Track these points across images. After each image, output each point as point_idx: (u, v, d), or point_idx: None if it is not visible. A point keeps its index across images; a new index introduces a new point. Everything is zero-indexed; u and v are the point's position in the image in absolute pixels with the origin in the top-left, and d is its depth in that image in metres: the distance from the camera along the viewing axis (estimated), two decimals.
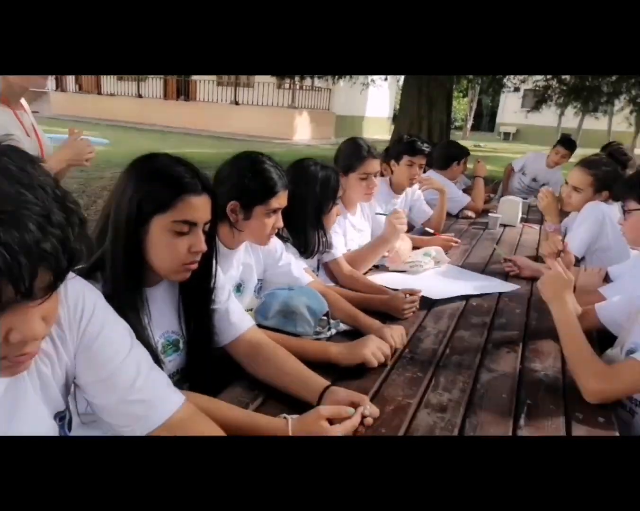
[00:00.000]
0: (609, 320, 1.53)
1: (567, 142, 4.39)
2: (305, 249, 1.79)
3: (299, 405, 1.07)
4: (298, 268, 1.67)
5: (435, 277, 2.12)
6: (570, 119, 20.33)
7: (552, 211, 2.56)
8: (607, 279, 1.97)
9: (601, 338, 1.54)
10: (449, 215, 3.27)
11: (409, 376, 1.28)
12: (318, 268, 2.03)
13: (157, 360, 1.02)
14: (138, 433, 0.84)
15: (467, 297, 1.85)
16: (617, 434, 1.10)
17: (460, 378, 1.29)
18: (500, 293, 1.93)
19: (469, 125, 27.61)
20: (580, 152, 4.32)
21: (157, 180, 1.01)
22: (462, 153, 3.61)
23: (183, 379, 1.22)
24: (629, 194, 1.75)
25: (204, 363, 1.22)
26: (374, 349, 1.27)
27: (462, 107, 28.86)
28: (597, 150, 3.18)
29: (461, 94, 27.14)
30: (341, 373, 1.24)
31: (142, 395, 0.84)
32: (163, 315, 1.16)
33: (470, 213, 3.42)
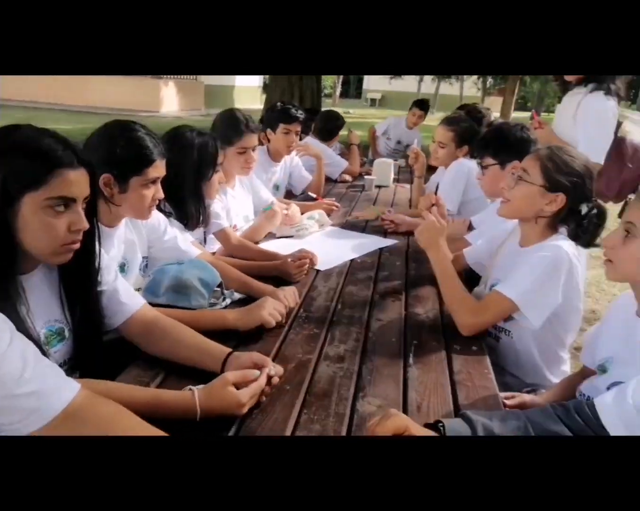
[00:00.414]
0: (474, 262, 1.73)
1: (420, 103, 4.77)
2: (187, 220, 1.74)
3: (202, 377, 1.07)
4: (185, 242, 1.63)
5: (321, 240, 2.20)
6: (429, 85, 21.78)
7: (423, 167, 2.80)
8: (470, 227, 2.20)
9: (470, 279, 1.74)
10: (328, 179, 3.39)
11: (306, 334, 1.33)
12: (205, 241, 1.99)
13: (42, 353, 0.94)
14: (32, 427, 0.78)
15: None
16: (488, 359, 1.26)
17: (354, 330, 1.37)
18: (381, 249, 2.06)
19: (337, 93, 28.28)
20: (438, 116, 4.69)
21: (24, 154, 0.92)
22: (342, 123, 3.79)
23: (72, 369, 1.14)
24: (485, 151, 1.96)
25: (94, 349, 1.16)
26: (270, 310, 1.30)
27: (331, 75, 29.46)
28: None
29: None
30: (241, 340, 1.26)
31: (32, 387, 0.78)
32: (43, 303, 1.07)
33: (347, 177, 3.57)
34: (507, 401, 1.26)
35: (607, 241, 1.13)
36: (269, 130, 2.76)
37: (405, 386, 1.12)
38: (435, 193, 1.59)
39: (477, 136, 2.30)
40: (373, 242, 2.16)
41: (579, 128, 2.08)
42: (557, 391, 1.38)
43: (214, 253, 1.87)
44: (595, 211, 1.37)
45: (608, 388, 1.16)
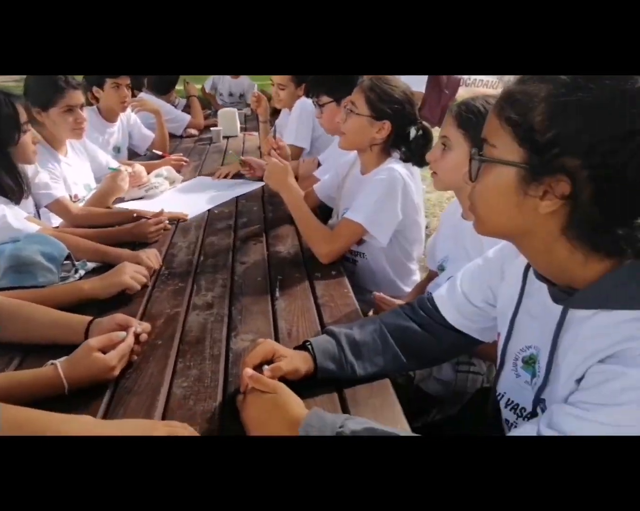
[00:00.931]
0: (324, 196, 1.83)
1: None
2: (8, 194, 1.54)
3: (64, 352, 1.01)
4: (17, 218, 1.47)
5: (176, 196, 2.13)
6: None
7: (266, 111, 2.77)
8: (320, 165, 2.30)
9: (324, 213, 1.84)
10: (174, 136, 3.26)
11: (171, 289, 1.32)
12: (39, 215, 1.81)
13: None
14: None
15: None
16: (346, 279, 1.37)
17: (219, 277, 1.39)
18: (237, 198, 2.06)
19: None
20: None
21: None
22: (176, 80, 3.59)
23: None
24: (321, 89, 2.03)
25: None
26: (132, 273, 1.26)
27: None
28: None
29: None
30: (103, 308, 1.20)
31: None
32: None
33: (193, 131, 3.45)
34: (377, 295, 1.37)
35: (429, 156, 1.28)
36: (95, 88, 2.54)
37: (274, 318, 1.17)
38: (274, 137, 1.62)
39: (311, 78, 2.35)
40: (239, 188, 2.17)
41: None
42: (411, 296, 1.55)
43: (57, 228, 1.72)
44: (421, 132, 1.52)
45: None
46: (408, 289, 1.70)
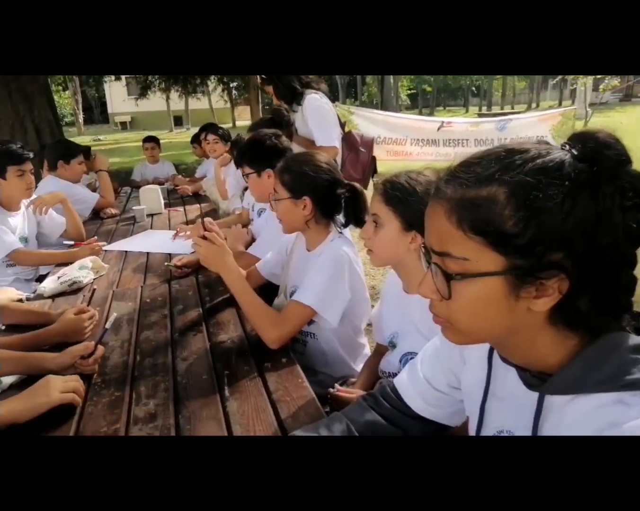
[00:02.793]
0: (269, 274, 1.78)
1: (147, 139, 4.65)
2: None
3: None
4: None
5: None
6: (177, 102, 21.60)
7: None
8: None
9: (269, 291, 1.78)
10: (89, 218, 3.13)
11: (106, 401, 1.18)
12: None
13: None
14: None
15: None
16: (299, 367, 1.30)
17: (160, 379, 1.27)
18: (169, 283, 1.95)
19: (81, 120, 26.03)
20: (193, 131, 4.74)
21: None
22: (77, 149, 3.19)
23: None
24: (243, 161, 2.05)
25: None
26: (61, 387, 1.11)
27: (67, 101, 26.72)
28: None
29: (60, 88, 24.99)
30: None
31: None
32: None
33: (113, 211, 3.30)
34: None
35: (362, 234, 1.29)
36: None
37: (227, 423, 1.08)
38: (202, 222, 1.54)
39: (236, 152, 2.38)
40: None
41: (310, 126, 2.44)
42: (364, 375, 1.48)
43: None
44: (349, 194, 1.52)
45: (400, 361, 1.31)
46: (358, 366, 1.64)
